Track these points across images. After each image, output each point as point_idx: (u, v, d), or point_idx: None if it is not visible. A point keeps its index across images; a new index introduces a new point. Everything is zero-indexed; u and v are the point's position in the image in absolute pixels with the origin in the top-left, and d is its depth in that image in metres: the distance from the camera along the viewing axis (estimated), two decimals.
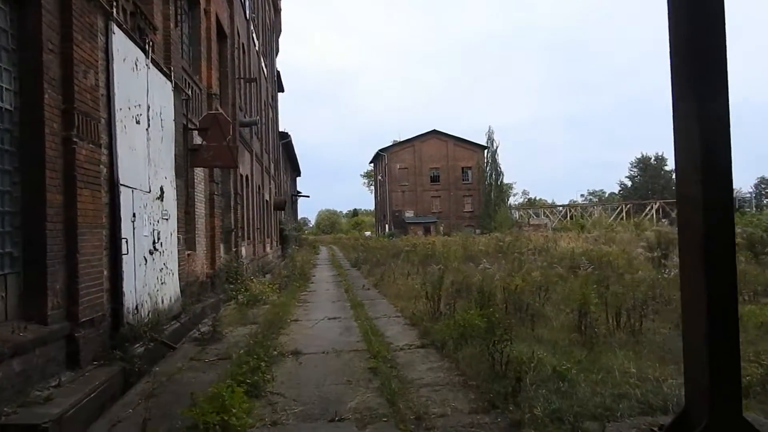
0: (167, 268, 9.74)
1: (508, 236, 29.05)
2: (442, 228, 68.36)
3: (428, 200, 75.13)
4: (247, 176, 22.81)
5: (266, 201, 30.66)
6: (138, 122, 8.57)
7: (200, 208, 13.98)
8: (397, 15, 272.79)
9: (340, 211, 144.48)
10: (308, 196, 61.25)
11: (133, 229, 8.03)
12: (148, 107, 9.13)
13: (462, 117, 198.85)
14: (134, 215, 8.07)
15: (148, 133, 9.05)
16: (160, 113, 9.83)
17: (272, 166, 34.80)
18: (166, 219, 9.87)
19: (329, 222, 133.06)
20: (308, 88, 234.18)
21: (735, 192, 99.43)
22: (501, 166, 73.79)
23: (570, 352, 6.57)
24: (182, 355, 7.42)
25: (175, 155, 10.88)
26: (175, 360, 7.21)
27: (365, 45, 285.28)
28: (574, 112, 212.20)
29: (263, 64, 31.30)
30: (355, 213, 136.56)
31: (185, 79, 12.72)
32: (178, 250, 10.80)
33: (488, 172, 73.91)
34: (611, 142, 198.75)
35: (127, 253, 7.55)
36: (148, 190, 8.90)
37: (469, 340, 6.74)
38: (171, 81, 10.58)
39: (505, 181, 76.63)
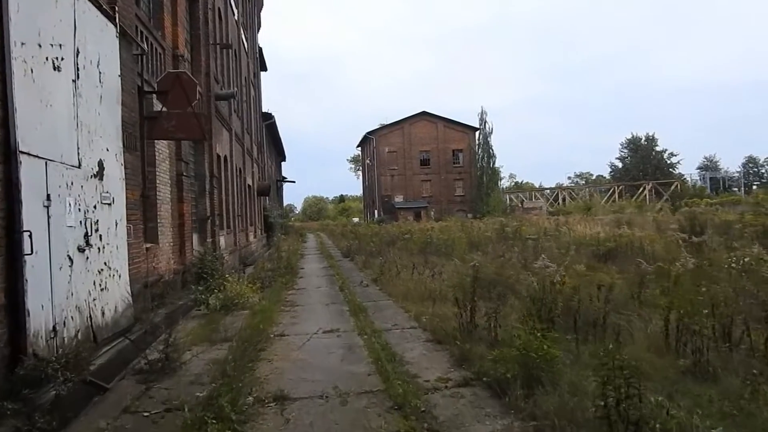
0: (110, 268, 7.38)
1: (514, 220, 26.81)
2: (433, 213, 66.13)
3: (418, 184, 72.60)
4: (225, 157, 20.34)
5: (249, 186, 28.19)
6: (57, 69, 6.15)
7: (164, 192, 11.58)
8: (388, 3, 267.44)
9: (327, 198, 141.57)
10: (294, 182, 58.76)
11: (48, 217, 5.65)
12: (77, 51, 6.71)
13: (447, 102, 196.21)
14: (49, 197, 5.69)
15: (76, 87, 6.64)
16: (98, 63, 7.40)
17: (255, 148, 32.25)
18: (108, 204, 7.48)
19: (316, 208, 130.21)
20: (291, 73, 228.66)
21: (723, 172, 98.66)
22: (494, 148, 71.40)
23: (697, 395, 4.34)
24: (114, 402, 5.05)
25: (125, 122, 8.48)
26: (102, 411, 4.86)
27: (350, 29, 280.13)
28: (559, 97, 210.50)
29: (243, 37, 28.65)
30: (341, 199, 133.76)
31: (141, 31, 10.27)
32: (129, 244, 8.43)
33: (480, 154, 71.47)
34: (596, 126, 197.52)
35: (32, 253, 5.18)
36: (76, 165, 6.50)
37: (544, 377, 4.49)
38: (115, 25, 8.12)
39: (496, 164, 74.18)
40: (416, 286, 10.56)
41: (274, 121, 41.83)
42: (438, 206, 69.62)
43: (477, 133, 72.69)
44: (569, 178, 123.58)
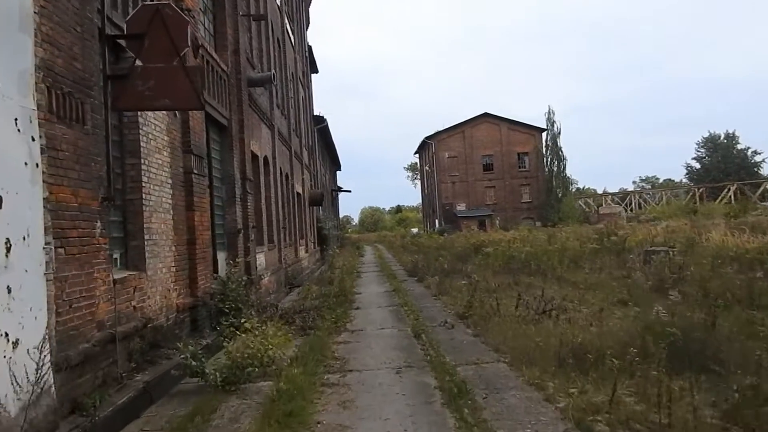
0: None
1: (619, 228, 22.21)
2: (498, 221, 61.37)
3: (481, 191, 67.78)
4: (265, 158, 16.91)
5: (298, 194, 24.77)
6: None
7: (159, 195, 8.06)
8: (430, 6, 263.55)
9: (383, 208, 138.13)
10: (350, 191, 55.48)
11: None
12: None
13: (498, 105, 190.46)
14: None
15: None
16: None
17: (305, 153, 28.93)
18: None
19: (372, 219, 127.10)
20: (339, 84, 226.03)
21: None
22: (563, 150, 65.91)
23: None
24: None
25: (54, 73, 4.99)
26: None
27: (400, 36, 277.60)
28: (614, 99, 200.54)
29: (288, 27, 25.40)
30: (398, 209, 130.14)
31: None
32: (59, 278, 4.86)
33: (548, 157, 66.20)
34: (652, 127, 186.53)
35: None
36: None
37: None
38: None
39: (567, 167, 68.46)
40: (540, 334, 6.51)
41: (327, 126, 38.54)
42: (503, 214, 64.72)
43: (544, 134, 67.56)
44: (634, 182, 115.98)
